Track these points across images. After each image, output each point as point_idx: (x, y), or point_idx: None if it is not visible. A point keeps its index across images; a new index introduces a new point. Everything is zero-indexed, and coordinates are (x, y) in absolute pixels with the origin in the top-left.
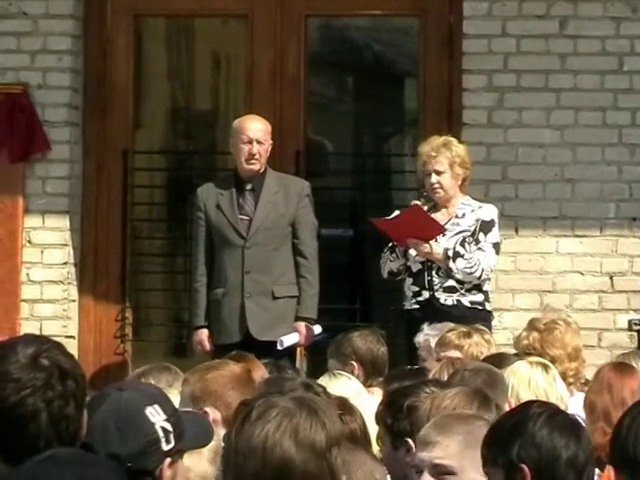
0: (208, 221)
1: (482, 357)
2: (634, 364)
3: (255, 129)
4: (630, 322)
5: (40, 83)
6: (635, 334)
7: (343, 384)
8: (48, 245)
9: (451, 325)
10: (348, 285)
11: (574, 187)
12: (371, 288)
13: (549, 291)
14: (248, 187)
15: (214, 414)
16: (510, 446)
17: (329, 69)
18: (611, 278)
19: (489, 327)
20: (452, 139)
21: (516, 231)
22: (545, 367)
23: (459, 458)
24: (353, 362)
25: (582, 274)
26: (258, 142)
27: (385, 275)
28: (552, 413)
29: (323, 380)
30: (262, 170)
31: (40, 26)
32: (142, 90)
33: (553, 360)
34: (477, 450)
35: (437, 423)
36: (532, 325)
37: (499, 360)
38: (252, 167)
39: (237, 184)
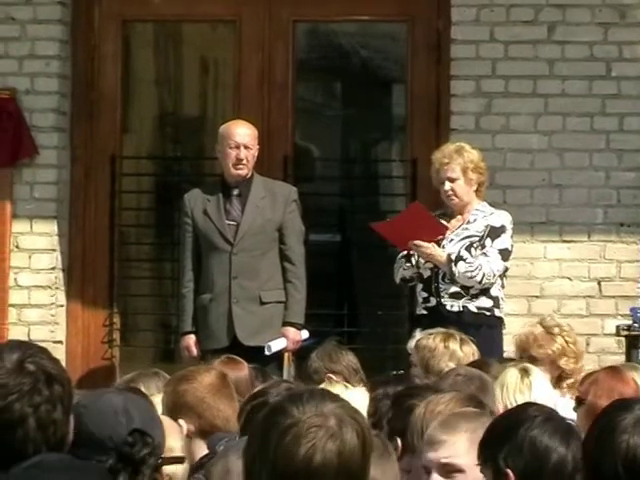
0: (195, 227)
1: (435, 362)
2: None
3: (242, 134)
4: (618, 327)
5: (28, 88)
6: (623, 339)
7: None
8: (36, 250)
9: (442, 330)
10: (335, 291)
11: (562, 192)
12: (359, 293)
13: (537, 296)
14: (235, 192)
15: (188, 426)
16: (499, 450)
17: (317, 74)
18: (599, 283)
19: (497, 333)
20: (465, 145)
21: None
22: (525, 373)
23: (466, 456)
24: (330, 375)
25: (570, 279)
26: (245, 147)
27: (397, 281)
28: (545, 418)
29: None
30: (249, 175)
31: (28, 31)
32: (130, 95)
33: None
34: None
35: (443, 422)
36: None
37: (481, 366)
38: (239, 172)
39: (224, 189)
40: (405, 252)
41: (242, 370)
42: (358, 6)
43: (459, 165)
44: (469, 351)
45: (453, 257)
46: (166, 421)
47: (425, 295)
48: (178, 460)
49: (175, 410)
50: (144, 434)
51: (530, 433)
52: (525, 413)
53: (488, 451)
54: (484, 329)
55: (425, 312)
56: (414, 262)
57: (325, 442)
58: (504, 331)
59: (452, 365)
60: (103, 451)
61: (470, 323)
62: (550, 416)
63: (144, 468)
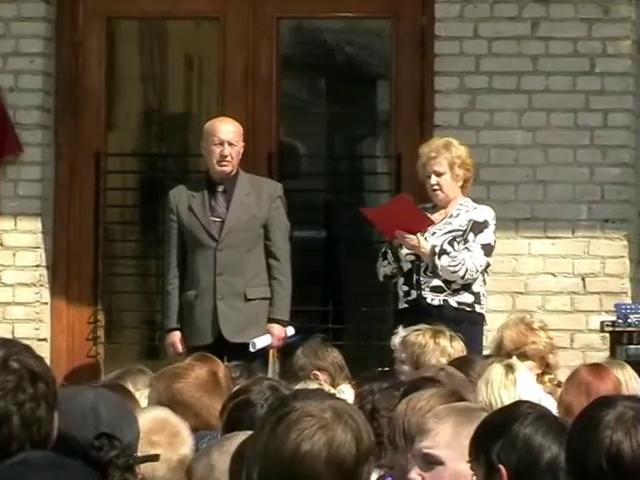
0: (180, 223)
1: (426, 358)
2: (617, 374)
3: (227, 131)
4: (602, 323)
5: (12, 86)
6: (607, 335)
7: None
8: (20, 248)
9: (429, 326)
10: (321, 287)
11: (546, 189)
12: (344, 290)
13: (521, 292)
14: (220, 189)
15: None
16: (492, 446)
17: (301, 71)
18: (583, 279)
19: (478, 330)
20: (453, 140)
21: None
22: (510, 369)
23: (447, 448)
24: (316, 372)
25: (554, 275)
26: (230, 144)
27: (381, 278)
28: (538, 416)
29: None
30: (234, 172)
31: (12, 28)
32: (114, 92)
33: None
34: (466, 442)
35: (435, 413)
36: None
37: (465, 363)
38: (224, 169)
39: (209, 186)
40: (382, 250)
41: (219, 372)
42: (342, 3)
43: (446, 160)
44: (459, 347)
45: (437, 250)
46: (184, 429)
47: (406, 289)
48: (152, 458)
49: (170, 408)
50: (111, 437)
51: (524, 430)
52: (518, 410)
53: (481, 446)
54: (465, 325)
55: (407, 306)
56: (390, 259)
57: (315, 431)
58: (485, 327)
59: (443, 361)
60: (69, 452)
61: (451, 318)
62: (543, 414)
63: (112, 470)
